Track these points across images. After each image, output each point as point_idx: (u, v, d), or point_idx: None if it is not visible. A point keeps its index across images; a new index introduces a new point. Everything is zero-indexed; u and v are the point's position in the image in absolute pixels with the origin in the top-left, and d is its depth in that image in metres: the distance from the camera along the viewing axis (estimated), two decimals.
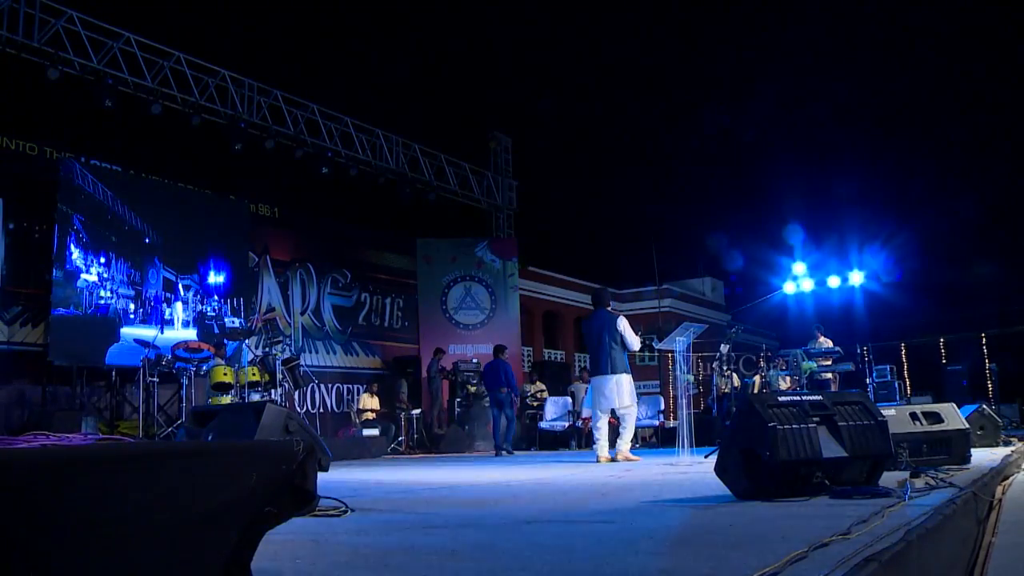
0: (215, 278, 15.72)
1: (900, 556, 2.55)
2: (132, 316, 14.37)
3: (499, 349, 14.96)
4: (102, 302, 13.96)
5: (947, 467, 5.88)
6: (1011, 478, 6.97)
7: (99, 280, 13.94)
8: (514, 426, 14.67)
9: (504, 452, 14.03)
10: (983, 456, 7.22)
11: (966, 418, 7.07)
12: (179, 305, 15.09)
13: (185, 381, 12.78)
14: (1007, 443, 9.59)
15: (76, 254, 13.64)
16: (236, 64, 16.67)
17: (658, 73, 49.74)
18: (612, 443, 10.17)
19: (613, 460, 9.71)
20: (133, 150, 14.93)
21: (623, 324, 10.07)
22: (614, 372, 9.97)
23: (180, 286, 15.16)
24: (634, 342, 10.10)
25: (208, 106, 15.98)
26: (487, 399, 17.67)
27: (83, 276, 13.72)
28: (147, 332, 14.18)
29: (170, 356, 13.05)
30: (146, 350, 12.95)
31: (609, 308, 10.40)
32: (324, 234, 18.61)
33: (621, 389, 9.97)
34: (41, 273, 13.39)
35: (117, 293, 14.22)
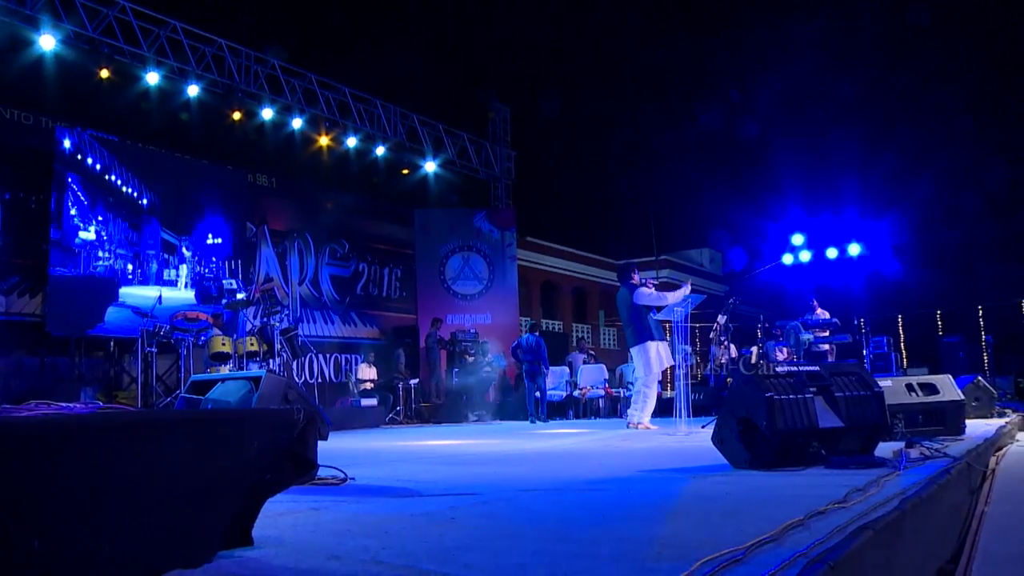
0: (213, 240, 15.72)
1: (895, 524, 2.58)
2: (131, 276, 14.36)
3: (535, 326, 16.36)
4: (100, 263, 13.91)
5: (942, 438, 5.92)
6: (1004, 449, 7.02)
7: (97, 239, 13.89)
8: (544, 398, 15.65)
9: (539, 421, 14.83)
10: (978, 427, 7.26)
11: (962, 390, 7.10)
12: (184, 267, 15.17)
13: (183, 351, 12.78)
14: (1001, 415, 9.66)
15: (73, 211, 13.60)
16: (233, 33, 16.58)
17: (656, 44, 49.53)
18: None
19: (639, 426, 9.95)
20: (129, 120, 14.74)
21: (639, 296, 10.17)
22: (633, 344, 10.22)
23: (182, 248, 15.20)
24: (653, 299, 10.13)
25: (205, 75, 15.89)
26: (486, 369, 17.82)
27: (80, 234, 13.66)
28: (146, 292, 14.22)
29: (168, 326, 13.01)
30: (144, 320, 12.86)
31: (634, 280, 10.44)
32: (322, 204, 18.52)
33: (637, 360, 10.20)
34: (38, 243, 13.33)
35: (115, 253, 14.19)
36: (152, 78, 14.92)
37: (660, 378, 10.44)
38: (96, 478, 1.74)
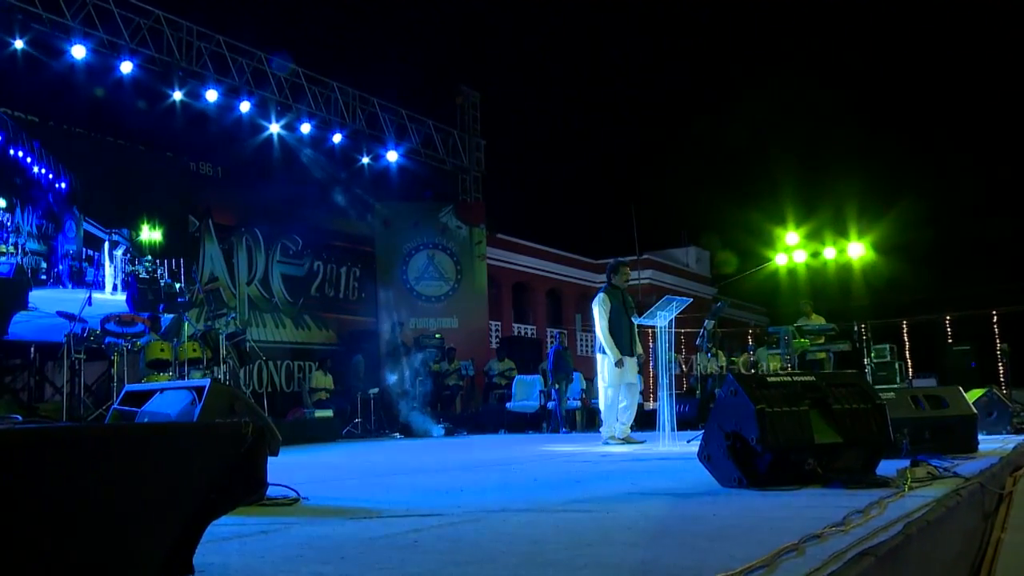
0: (149, 235, 15.18)
1: (899, 550, 2.59)
2: (43, 276, 13.43)
3: (564, 336, 17.49)
4: (2, 259, 12.79)
5: (951, 456, 5.93)
6: (1023, 469, 7.05)
7: None
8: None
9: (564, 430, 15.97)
10: (993, 444, 7.29)
11: (973, 403, 7.13)
12: (108, 266, 14.41)
13: (116, 358, 12.37)
14: (1020, 431, 9.64)
15: None
16: (172, 4, 16.36)
17: (638, 22, 49.69)
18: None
19: (615, 439, 10.15)
20: (52, 99, 14.27)
21: (593, 312, 10.54)
22: (598, 351, 10.45)
23: (107, 243, 14.49)
24: (597, 326, 10.44)
25: (140, 50, 15.64)
26: (452, 377, 17.88)
27: None
28: (68, 296, 13.41)
29: (99, 330, 12.65)
30: (71, 324, 12.16)
31: (612, 283, 10.72)
32: (273, 196, 18.35)
33: (599, 368, 10.43)
34: None
35: (23, 247, 13.33)
36: (78, 51, 14.53)
37: (629, 386, 10.42)
38: (7, 502, 1.71)
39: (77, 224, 14.21)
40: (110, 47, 15.26)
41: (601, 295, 10.47)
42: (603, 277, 11.22)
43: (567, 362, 16.58)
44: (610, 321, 10.27)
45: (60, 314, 12.32)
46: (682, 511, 3.75)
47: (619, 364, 10.12)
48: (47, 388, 13.65)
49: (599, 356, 10.39)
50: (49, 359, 13.38)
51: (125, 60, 15.27)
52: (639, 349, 10.64)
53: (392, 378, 17.82)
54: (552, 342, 17.59)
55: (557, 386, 16.35)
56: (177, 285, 14.07)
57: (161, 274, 14.51)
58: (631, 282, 11.12)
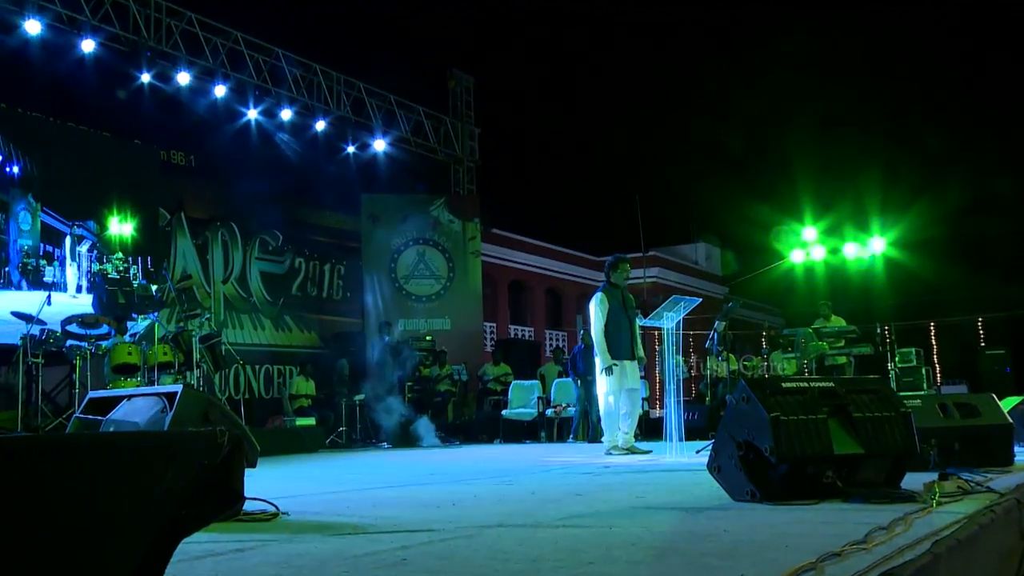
0: (119, 229, 14.77)
1: (926, 571, 2.58)
2: None
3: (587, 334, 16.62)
4: None
5: (985, 469, 5.90)
6: None
7: None
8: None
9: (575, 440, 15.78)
10: None
11: (1009, 411, 7.08)
12: (70, 264, 14.00)
13: (78, 362, 12.00)
14: None
15: None
16: None
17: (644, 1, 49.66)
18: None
19: (617, 450, 10.15)
20: (3, 78, 13.93)
21: (589, 310, 10.60)
22: (596, 354, 10.48)
23: (70, 237, 14.09)
24: (592, 325, 10.52)
25: (103, 27, 15.36)
26: (445, 383, 17.84)
27: None
28: (22, 298, 12.91)
29: (59, 332, 12.14)
30: (28, 325, 11.69)
31: (611, 281, 10.76)
32: (251, 188, 18.22)
33: (597, 373, 10.48)
34: None
35: None
36: (32, 27, 14.20)
37: (630, 392, 10.40)
38: None
39: (33, 215, 13.79)
40: (69, 23, 14.91)
41: (599, 294, 10.48)
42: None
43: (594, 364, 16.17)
44: (608, 323, 10.27)
45: (15, 315, 11.92)
46: (690, 526, 3.75)
47: (609, 371, 10.13)
48: (0, 396, 13.49)
49: (597, 360, 10.42)
50: (2, 364, 13.12)
51: (87, 38, 15.00)
52: (640, 352, 10.64)
53: (379, 384, 17.80)
54: (579, 342, 17.27)
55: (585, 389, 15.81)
56: (153, 287, 13.73)
57: (134, 274, 14.13)
58: (634, 280, 11.10)
